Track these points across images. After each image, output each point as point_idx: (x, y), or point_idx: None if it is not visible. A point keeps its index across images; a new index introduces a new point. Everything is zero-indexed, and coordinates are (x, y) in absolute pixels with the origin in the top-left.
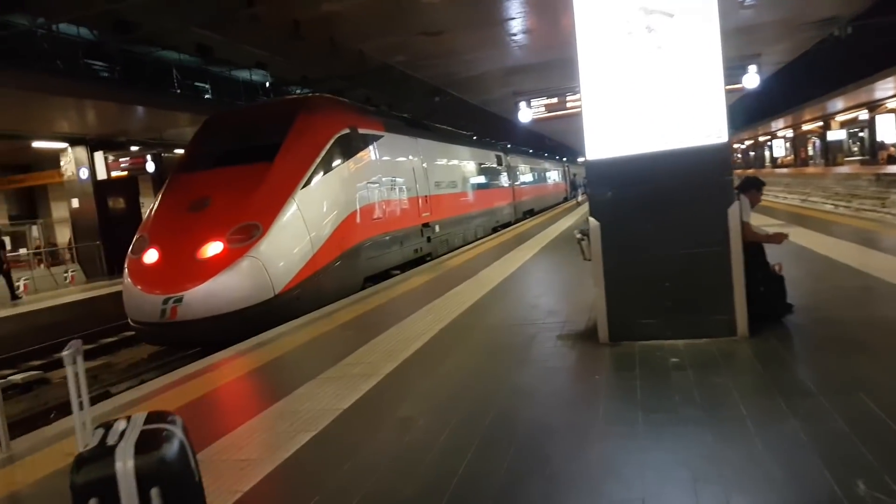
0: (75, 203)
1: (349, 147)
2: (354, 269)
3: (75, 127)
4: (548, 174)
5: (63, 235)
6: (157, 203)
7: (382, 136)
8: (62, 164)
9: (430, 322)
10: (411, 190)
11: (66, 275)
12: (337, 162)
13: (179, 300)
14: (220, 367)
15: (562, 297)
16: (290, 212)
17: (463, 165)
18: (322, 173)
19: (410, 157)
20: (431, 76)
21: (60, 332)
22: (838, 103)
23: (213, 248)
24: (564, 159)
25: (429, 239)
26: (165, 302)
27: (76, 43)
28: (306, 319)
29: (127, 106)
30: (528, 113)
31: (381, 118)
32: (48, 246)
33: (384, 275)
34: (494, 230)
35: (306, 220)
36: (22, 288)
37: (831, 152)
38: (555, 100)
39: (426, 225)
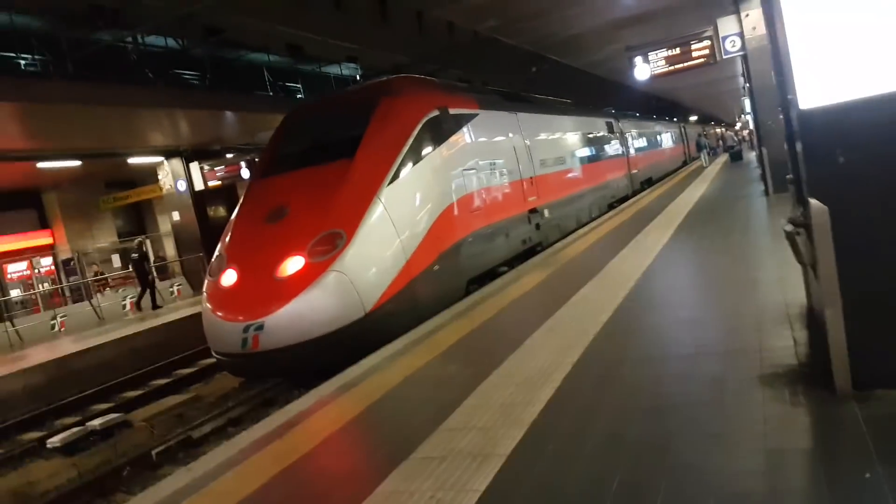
0: (176, 216)
1: (440, 131)
2: (455, 272)
3: (169, 139)
4: (664, 137)
5: (170, 249)
6: (235, 215)
7: (477, 115)
8: (160, 177)
9: (557, 350)
10: (514, 172)
11: (171, 288)
12: (427, 149)
13: (260, 327)
14: (296, 431)
15: (733, 302)
16: (377, 213)
17: (570, 137)
18: (411, 164)
19: (510, 135)
20: (527, 41)
21: (160, 353)
22: None
23: (292, 265)
24: (675, 120)
25: (538, 226)
26: (246, 330)
27: (164, 54)
28: (402, 345)
29: (218, 112)
30: (645, 69)
31: (474, 94)
32: (157, 260)
33: (490, 274)
34: (611, 207)
35: (395, 220)
36: (128, 306)
37: None
38: (677, 50)
39: (533, 210)
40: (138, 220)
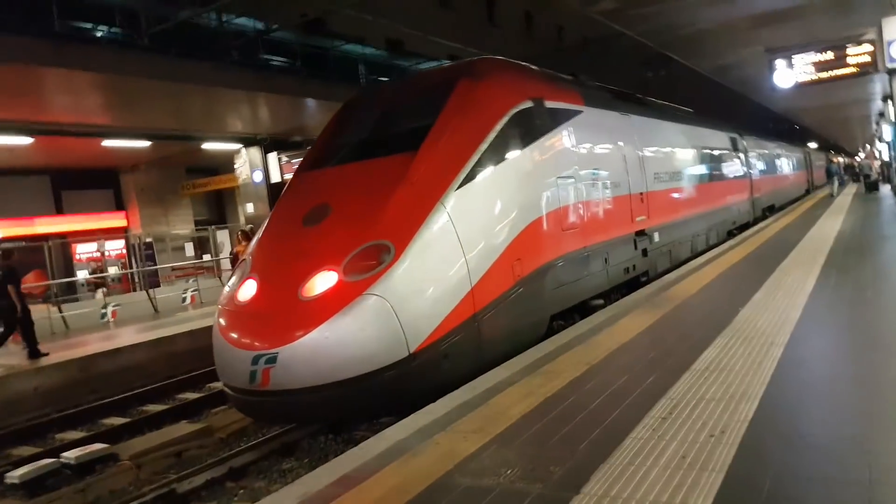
0: (250, 208)
1: (531, 126)
2: (537, 305)
3: (248, 126)
4: (789, 161)
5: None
6: (272, 211)
7: (581, 112)
8: (236, 166)
9: (682, 465)
10: (621, 185)
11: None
12: (513, 148)
13: (273, 360)
14: None
15: None
16: (439, 224)
17: (690, 150)
18: (490, 165)
19: (621, 141)
20: (646, 32)
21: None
22: None
23: (322, 282)
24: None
25: (645, 252)
26: (255, 361)
27: (251, 37)
28: (448, 409)
29: (301, 100)
30: (788, 75)
31: (579, 88)
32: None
33: (581, 307)
34: (730, 234)
35: (462, 235)
36: (189, 300)
37: None
38: (829, 55)
39: (641, 233)
40: (218, 209)
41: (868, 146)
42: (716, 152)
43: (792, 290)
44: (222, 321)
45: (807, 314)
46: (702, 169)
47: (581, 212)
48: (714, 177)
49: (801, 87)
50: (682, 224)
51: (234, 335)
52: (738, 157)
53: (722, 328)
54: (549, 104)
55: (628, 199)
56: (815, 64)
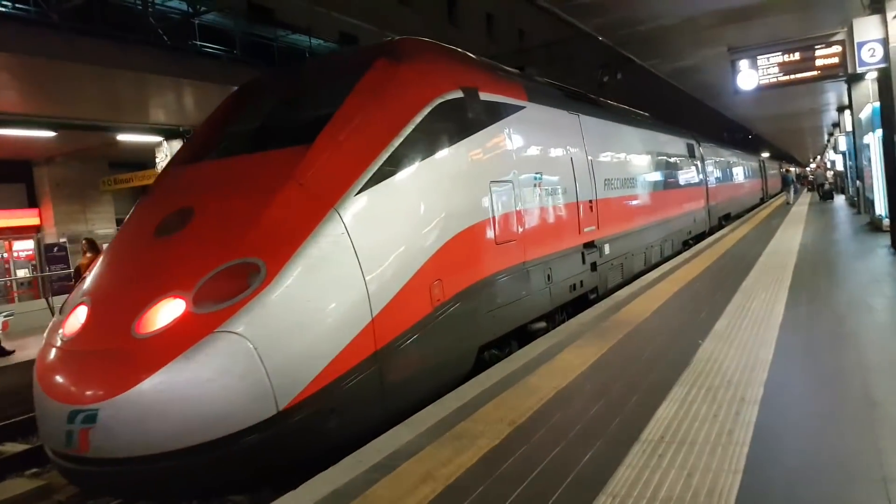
0: None
1: (461, 121)
2: (462, 334)
3: (172, 117)
4: (745, 169)
5: None
6: (126, 219)
7: (523, 108)
8: (158, 160)
9: None
10: (567, 192)
11: None
12: (435, 145)
13: (92, 418)
14: None
15: None
16: (330, 236)
17: (645, 155)
18: (405, 165)
19: (568, 143)
20: (603, 26)
21: None
22: None
23: (164, 313)
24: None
25: (594, 266)
26: (72, 418)
27: (181, 22)
28: (314, 500)
29: (228, 89)
30: (751, 77)
31: (523, 82)
32: None
33: (519, 332)
34: (685, 245)
35: (361, 250)
36: None
37: None
38: (796, 56)
39: (590, 245)
40: None
41: (819, 157)
42: (672, 158)
43: (759, 320)
44: (43, 361)
45: (780, 355)
46: (657, 175)
47: (520, 222)
48: (670, 184)
49: (763, 92)
50: (635, 234)
51: (51, 381)
52: (695, 164)
53: (680, 370)
54: (485, 96)
55: (576, 207)
56: (780, 65)
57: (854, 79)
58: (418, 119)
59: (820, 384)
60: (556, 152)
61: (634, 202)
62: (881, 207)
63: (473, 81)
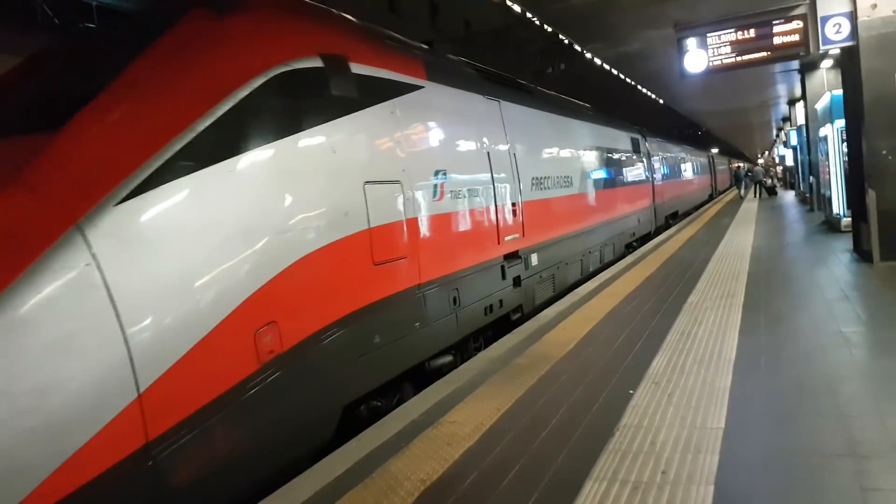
0: None
1: (318, 99)
2: (312, 396)
3: None
4: (693, 165)
5: None
6: None
7: (420, 88)
8: None
9: None
10: (483, 194)
11: None
12: (272, 131)
13: None
14: None
15: None
16: (61, 272)
17: (583, 151)
18: (211, 158)
19: (484, 135)
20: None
21: None
22: None
23: None
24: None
25: (517, 281)
26: None
27: None
28: None
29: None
30: (700, 58)
31: (420, 55)
32: None
33: (417, 370)
34: (629, 248)
35: (122, 288)
36: None
37: None
38: (750, 33)
39: (513, 256)
40: None
41: (766, 152)
42: (615, 154)
43: (707, 357)
44: None
45: (736, 423)
46: (597, 173)
47: (412, 234)
48: (612, 182)
49: (712, 83)
50: (570, 240)
51: None
52: (640, 160)
53: (601, 444)
54: (360, 69)
55: (493, 212)
56: (732, 44)
57: (808, 68)
58: (242, 93)
59: (794, 484)
60: (467, 145)
61: (569, 204)
62: (839, 206)
63: (341, 48)
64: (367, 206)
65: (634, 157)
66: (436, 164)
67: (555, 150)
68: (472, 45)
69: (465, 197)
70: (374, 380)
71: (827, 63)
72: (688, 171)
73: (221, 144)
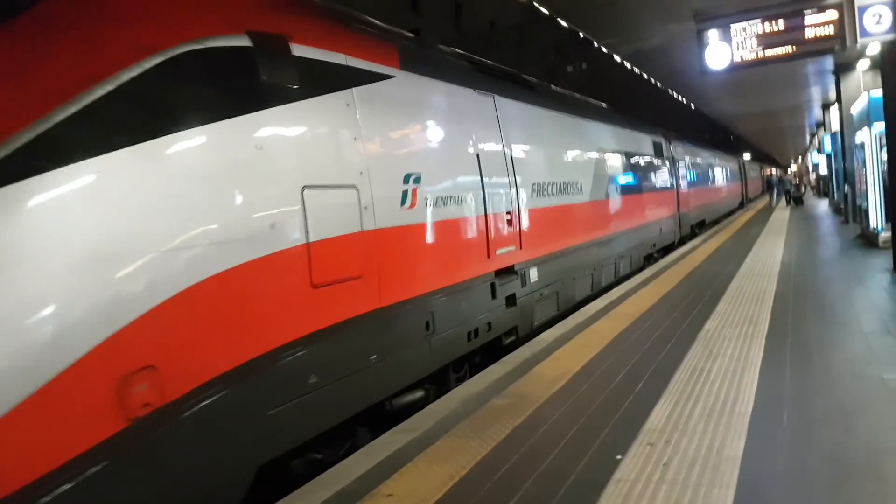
0: None
1: (240, 84)
2: (216, 452)
3: None
4: (723, 172)
5: None
6: None
7: (389, 78)
8: None
9: None
10: (471, 200)
11: None
12: (171, 121)
13: None
14: None
15: None
16: None
17: (595, 154)
18: (76, 153)
19: (475, 135)
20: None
21: None
22: None
23: None
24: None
25: (512, 300)
26: None
27: None
28: None
29: None
30: (723, 51)
31: (394, 41)
32: None
33: (378, 409)
34: (648, 259)
35: None
36: None
37: None
38: (779, 25)
39: (506, 272)
40: None
41: (801, 158)
42: (633, 159)
43: (717, 406)
44: None
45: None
46: (612, 178)
47: (371, 248)
48: (629, 188)
49: (739, 82)
50: (578, 252)
51: None
52: (663, 165)
53: None
54: (305, 52)
55: (483, 222)
56: (759, 37)
57: (843, 69)
58: (125, 76)
59: None
60: (450, 145)
61: (579, 212)
62: (877, 219)
63: (281, 25)
64: (306, 216)
65: (657, 162)
66: (407, 167)
67: (562, 153)
68: (491, 45)
69: (444, 204)
70: (306, 430)
71: (864, 64)
72: (717, 177)
73: (88, 139)
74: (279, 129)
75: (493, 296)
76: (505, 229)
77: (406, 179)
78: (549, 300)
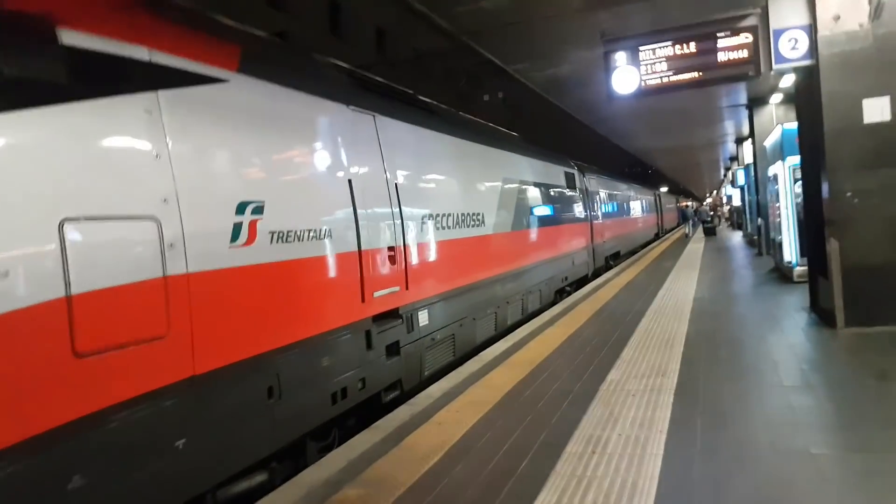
0: None
1: None
2: None
3: None
4: (639, 204)
5: None
6: None
7: (221, 82)
8: None
9: None
10: (339, 234)
11: None
12: None
13: None
14: None
15: None
16: None
17: (498, 184)
18: None
19: (347, 158)
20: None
21: None
22: None
23: None
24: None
25: (394, 349)
26: None
27: None
28: None
29: None
30: (631, 76)
31: (235, 40)
32: None
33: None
34: (560, 293)
35: None
36: None
37: None
38: (690, 48)
39: (388, 316)
40: None
41: (715, 192)
42: (544, 190)
43: (613, 498)
44: None
45: None
46: (519, 210)
47: (177, 299)
48: (539, 220)
49: (654, 115)
50: (479, 290)
51: None
52: (576, 197)
53: None
54: (79, 40)
55: (356, 259)
56: (669, 60)
57: (756, 103)
58: None
59: None
60: (308, 169)
61: (480, 246)
62: (791, 253)
63: (39, 3)
64: (67, 259)
65: (569, 194)
66: (243, 194)
67: (462, 181)
68: (419, 74)
69: (300, 240)
70: None
71: (777, 97)
72: (632, 209)
73: None
74: (22, 139)
75: (370, 346)
76: (386, 267)
77: (241, 209)
78: (444, 346)
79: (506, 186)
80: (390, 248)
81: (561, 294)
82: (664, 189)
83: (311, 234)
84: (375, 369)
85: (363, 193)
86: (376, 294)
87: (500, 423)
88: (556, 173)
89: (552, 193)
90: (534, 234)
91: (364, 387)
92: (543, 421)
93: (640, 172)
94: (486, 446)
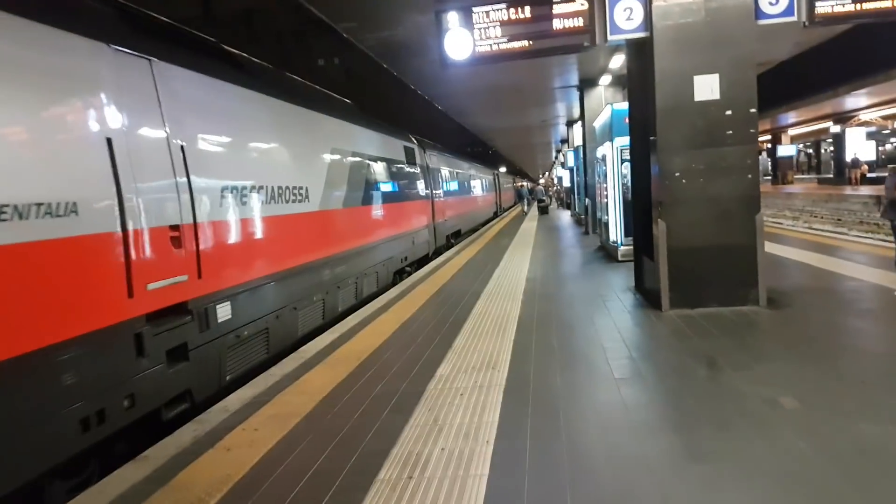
0: None
1: None
2: None
3: None
4: (480, 183)
5: None
6: None
7: None
8: None
9: None
10: (83, 211)
11: None
12: None
13: None
14: None
15: None
16: None
17: (327, 156)
18: None
19: (105, 112)
20: None
21: None
22: (790, 116)
23: None
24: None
25: (181, 353)
26: None
27: None
28: None
29: None
30: (464, 41)
31: None
32: None
33: None
34: (400, 274)
35: None
36: None
37: (781, 169)
38: (525, 12)
39: (170, 314)
40: None
41: (546, 173)
42: (381, 163)
43: None
44: None
45: None
46: (352, 184)
47: None
48: (376, 196)
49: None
50: (301, 275)
51: None
52: (417, 173)
53: None
54: None
55: (118, 241)
56: (503, 23)
57: (587, 84)
58: None
59: None
60: (31, 122)
61: (302, 224)
62: (616, 233)
63: None
64: None
65: (409, 170)
66: None
67: (279, 150)
68: (252, 37)
69: (13, 217)
70: None
71: (606, 79)
72: (473, 187)
73: None
74: None
75: (141, 352)
76: (168, 252)
77: None
78: (254, 343)
79: (336, 158)
80: (174, 228)
81: (401, 275)
82: (503, 169)
83: (29, 210)
84: (150, 381)
85: (129, 157)
86: (151, 286)
87: (305, 443)
88: (395, 147)
89: (391, 169)
90: (370, 211)
91: (132, 406)
92: (358, 437)
93: (480, 152)
94: (281, 480)
